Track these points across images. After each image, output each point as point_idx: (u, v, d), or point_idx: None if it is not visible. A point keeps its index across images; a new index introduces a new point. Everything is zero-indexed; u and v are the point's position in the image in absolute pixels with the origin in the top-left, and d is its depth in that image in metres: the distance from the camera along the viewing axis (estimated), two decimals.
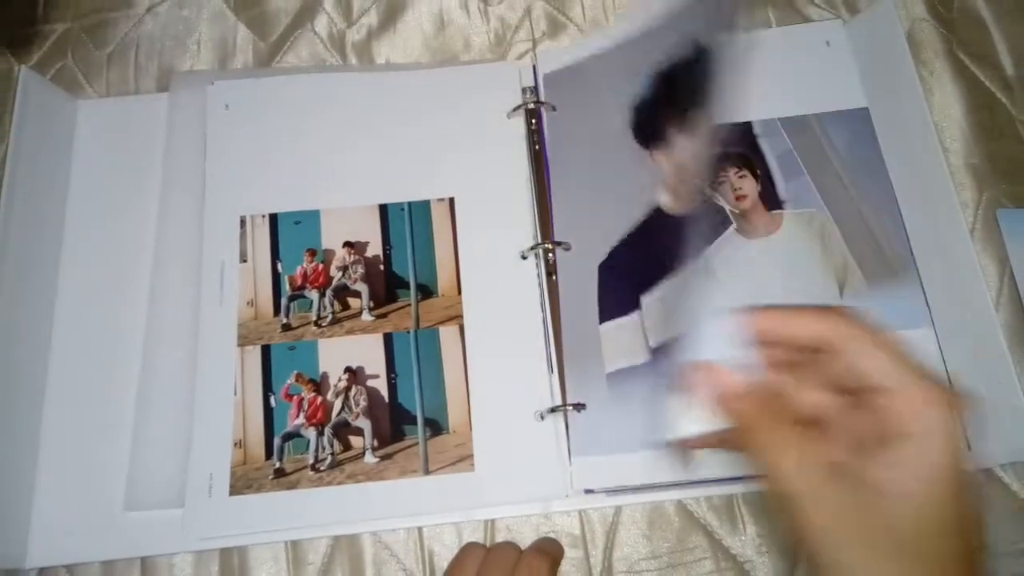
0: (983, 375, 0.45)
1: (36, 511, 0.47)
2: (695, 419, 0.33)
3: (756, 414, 0.30)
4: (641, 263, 0.50)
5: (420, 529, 0.47)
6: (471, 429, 0.48)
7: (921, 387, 0.28)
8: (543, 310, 0.50)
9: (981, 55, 0.57)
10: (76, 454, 0.48)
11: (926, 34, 0.57)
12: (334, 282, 0.51)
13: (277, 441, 0.48)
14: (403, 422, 0.48)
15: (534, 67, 0.56)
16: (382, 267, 0.52)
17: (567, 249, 0.51)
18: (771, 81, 0.55)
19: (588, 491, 0.46)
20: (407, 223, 0.53)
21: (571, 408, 0.47)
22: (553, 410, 0.47)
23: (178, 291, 0.51)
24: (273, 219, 0.53)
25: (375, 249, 0.52)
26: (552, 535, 0.46)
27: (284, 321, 0.50)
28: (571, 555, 0.46)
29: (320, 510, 0.46)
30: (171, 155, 0.54)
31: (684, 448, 0.35)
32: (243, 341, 0.50)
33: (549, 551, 0.43)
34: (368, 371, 0.49)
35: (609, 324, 0.49)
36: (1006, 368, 0.44)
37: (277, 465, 0.47)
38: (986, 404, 0.44)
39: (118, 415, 0.48)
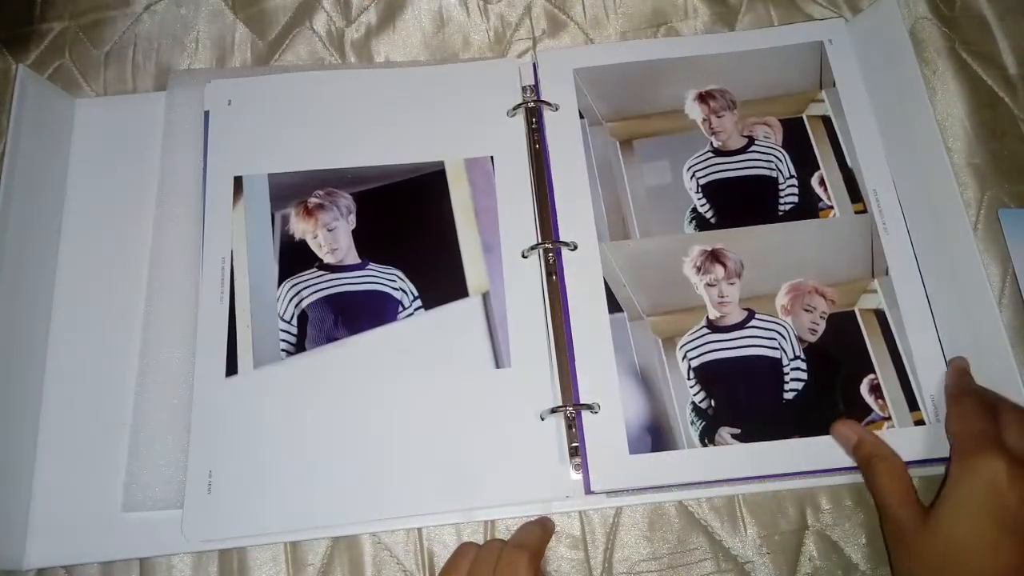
0: (986, 375, 0.45)
1: (34, 512, 0.46)
2: None
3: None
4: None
5: (420, 530, 0.47)
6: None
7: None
8: (544, 310, 0.49)
9: (983, 54, 0.57)
10: (74, 454, 0.48)
11: (928, 33, 0.57)
12: None
13: None
14: None
15: (534, 65, 0.56)
16: None
17: (572, 249, 0.50)
18: None
19: (589, 492, 0.45)
20: None
21: (583, 409, 0.47)
22: (554, 411, 0.47)
23: (176, 290, 0.50)
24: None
25: None
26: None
27: None
28: (571, 556, 0.46)
29: (320, 510, 0.46)
30: (169, 154, 0.54)
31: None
32: None
33: (527, 544, 0.42)
34: None
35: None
36: (1009, 368, 0.44)
37: None
38: None
39: (116, 415, 0.48)
